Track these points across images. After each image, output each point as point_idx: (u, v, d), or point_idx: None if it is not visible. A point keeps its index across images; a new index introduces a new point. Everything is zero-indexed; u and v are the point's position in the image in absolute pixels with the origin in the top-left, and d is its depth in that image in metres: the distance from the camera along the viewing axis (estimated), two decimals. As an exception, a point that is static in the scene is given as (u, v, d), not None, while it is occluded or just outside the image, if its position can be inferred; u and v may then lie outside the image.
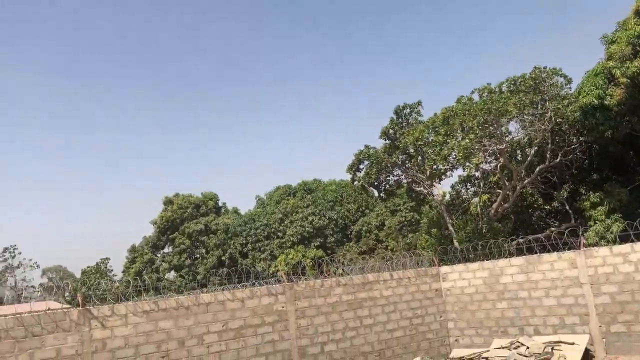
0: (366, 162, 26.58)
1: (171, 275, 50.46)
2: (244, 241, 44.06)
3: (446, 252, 16.78)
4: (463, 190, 28.17)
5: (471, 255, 16.11)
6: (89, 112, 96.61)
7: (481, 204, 25.82)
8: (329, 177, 54.19)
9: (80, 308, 10.20)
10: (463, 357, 13.13)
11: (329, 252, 39.21)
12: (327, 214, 42.43)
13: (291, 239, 41.18)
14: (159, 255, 51.51)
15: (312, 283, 12.92)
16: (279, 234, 42.80)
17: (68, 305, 14.00)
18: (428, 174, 24.68)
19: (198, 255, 48.89)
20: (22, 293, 53.00)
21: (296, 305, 12.48)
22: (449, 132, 22.47)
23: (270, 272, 37.49)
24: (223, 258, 43.24)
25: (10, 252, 56.51)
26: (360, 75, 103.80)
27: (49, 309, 9.97)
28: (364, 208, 45.26)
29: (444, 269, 15.02)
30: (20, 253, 56.21)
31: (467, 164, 22.00)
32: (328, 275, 14.39)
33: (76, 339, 9.97)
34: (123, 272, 50.69)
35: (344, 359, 12.81)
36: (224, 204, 54.29)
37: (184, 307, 11.20)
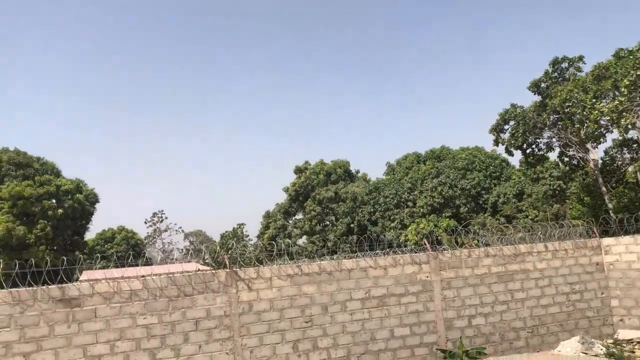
0: (512, 123, 24.38)
1: (302, 241, 51.80)
2: (372, 209, 43.76)
3: (606, 222, 15.00)
4: (618, 156, 25.28)
5: (630, 227, 14.25)
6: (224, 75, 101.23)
7: (641, 170, 23.03)
8: (459, 145, 52.05)
9: (228, 270, 10.31)
10: (632, 339, 11.67)
11: (462, 222, 37.68)
12: (459, 183, 40.66)
13: (421, 210, 40.09)
14: (290, 221, 53.07)
15: (459, 253, 12.09)
16: (409, 203, 41.92)
17: (207, 267, 14.46)
18: (580, 138, 22.33)
19: (328, 222, 49.62)
20: (168, 255, 57.65)
21: (441, 276, 11.76)
22: (599, 93, 20.04)
23: (401, 241, 36.87)
24: (352, 225, 43.40)
25: (158, 217, 61.33)
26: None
27: (198, 270, 10.18)
28: (498, 175, 42.84)
29: (607, 240, 13.40)
30: (167, 218, 60.78)
31: (619, 126, 19.44)
32: (469, 245, 13.46)
33: (224, 300, 10.11)
34: (257, 237, 52.95)
35: (493, 334, 11.93)
36: (357, 171, 54.41)
37: (327, 272, 10.95)
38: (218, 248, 43.95)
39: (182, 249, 63.33)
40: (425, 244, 12.10)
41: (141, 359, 9.41)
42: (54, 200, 36.95)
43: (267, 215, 53.17)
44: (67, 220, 38.16)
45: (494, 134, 24.85)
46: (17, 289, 9.04)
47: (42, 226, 35.15)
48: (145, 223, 60.81)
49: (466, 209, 40.40)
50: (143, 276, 9.82)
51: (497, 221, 35.10)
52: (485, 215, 38.63)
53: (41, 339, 8.96)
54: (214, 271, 10.25)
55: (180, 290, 9.87)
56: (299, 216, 53.95)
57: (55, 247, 36.68)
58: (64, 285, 9.34)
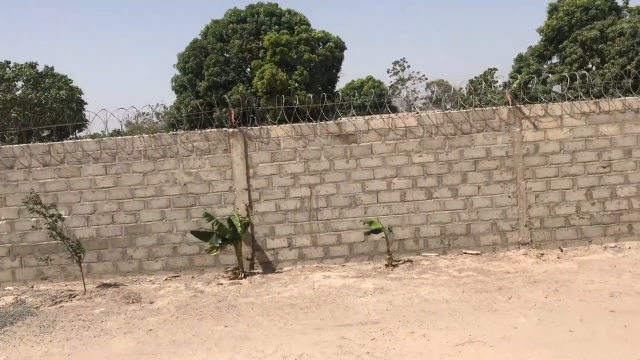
0: None
1: (557, 87, 46.71)
2: (660, 45, 36.61)
3: None
4: None
5: None
6: None
7: None
8: None
9: (510, 106, 9.11)
10: None
11: None
12: None
13: None
14: (545, 66, 47.99)
15: None
16: None
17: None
18: None
19: (591, 66, 43.49)
20: (412, 103, 57.90)
21: None
22: None
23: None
24: (628, 67, 37.23)
25: (400, 65, 61.02)
26: None
27: (477, 106, 9.20)
28: None
29: None
30: (409, 66, 60.11)
31: None
32: None
33: (506, 140, 9.07)
34: (505, 84, 49.37)
35: None
36: (626, 2, 45.67)
37: (633, 110, 9.04)
38: (466, 94, 42.23)
39: (424, 99, 62.98)
40: None
41: (417, 196, 9.13)
42: (308, 47, 38.83)
43: (520, 59, 48.66)
44: (321, 68, 40.06)
45: None
46: (298, 124, 9.24)
47: (299, 71, 37.58)
48: (388, 72, 61.17)
49: None
50: (417, 112, 9.23)
51: None
52: None
53: (323, 172, 9.17)
54: (494, 107, 9.15)
55: (457, 127, 9.08)
56: (554, 61, 48.34)
57: (311, 95, 39.14)
58: (340, 120, 9.27)
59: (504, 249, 9.12)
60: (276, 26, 39.69)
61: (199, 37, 42.77)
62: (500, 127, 9.06)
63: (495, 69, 52.51)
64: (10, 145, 9.20)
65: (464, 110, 9.11)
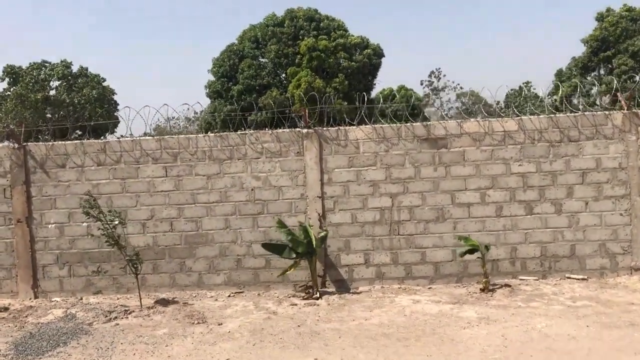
0: None
1: (603, 100, 45.01)
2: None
3: None
4: None
5: None
6: None
7: None
8: None
9: (625, 111, 7.99)
10: None
11: None
12: None
13: None
14: (589, 78, 46.31)
15: None
16: None
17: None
18: None
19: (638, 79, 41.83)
20: (447, 113, 56.42)
21: None
22: None
23: None
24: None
25: (435, 75, 59.66)
26: None
27: (588, 111, 8.08)
28: None
29: None
30: (444, 75, 58.63)
31: None
32: None
33: (619, 149, 7.93)
34: (549, 95, 47.81)
35: None
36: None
37: None
38: (502, 105, 40.76)
39: (456, 108, 61.43)
40: None
41: (515, 211, 8.03)
42: (346, 54, 37.90)
43: (559, 73, 47.06)
44: (358, 75, 39.03)
45: None
46: (381, 125, 8.23)
47: (340, 80, 36.59)
48: (422, 84, 59.83)
49: None
50: (519, 115, 8.15)
51: None
52: None
53: (407, 181, 8.14)
54: (607, 112, 8.03)
55: (564, 134, 7.97)
56: (601, 72, 46.58)
57: (347, 102, 38.10)
58: (429, 123, 8.23)
59: (614, 274, 7.96)
60: (314, 32, 38.88)
61: (236, 42, 42.14)
62: (613, 135, 7.93)
63: (529, 82, 50.84)
64: (63, 142, 8.33)
65: (572, 115, 8.00)
